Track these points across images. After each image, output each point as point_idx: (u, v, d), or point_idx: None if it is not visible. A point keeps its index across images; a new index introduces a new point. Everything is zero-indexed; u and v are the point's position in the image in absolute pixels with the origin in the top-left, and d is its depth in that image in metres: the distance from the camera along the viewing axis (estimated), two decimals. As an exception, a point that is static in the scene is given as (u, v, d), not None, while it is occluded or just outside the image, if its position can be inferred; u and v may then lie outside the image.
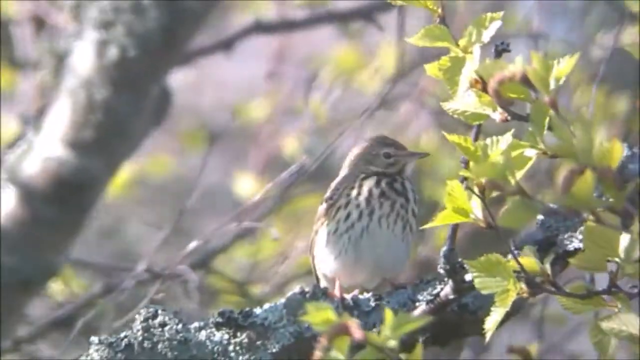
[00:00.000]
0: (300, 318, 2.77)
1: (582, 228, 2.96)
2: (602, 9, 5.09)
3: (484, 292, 2.85)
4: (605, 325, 2.85)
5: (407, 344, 3.02)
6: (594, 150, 2.72)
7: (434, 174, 5.02)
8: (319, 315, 2.70)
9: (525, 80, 2.81)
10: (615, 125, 5.04)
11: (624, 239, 2.82)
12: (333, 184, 3.42)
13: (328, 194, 3.39)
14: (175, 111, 5.01)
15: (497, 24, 2.88)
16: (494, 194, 2.80)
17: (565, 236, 3.14)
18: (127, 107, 4.71)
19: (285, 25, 5.10)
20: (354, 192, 3.35)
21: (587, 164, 2.70)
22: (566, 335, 5.15)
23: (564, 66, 2.80)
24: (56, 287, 4.98)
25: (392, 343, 2.70)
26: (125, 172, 5.72)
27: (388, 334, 2.70)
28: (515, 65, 2.81)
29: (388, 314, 2.70)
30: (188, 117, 6.24)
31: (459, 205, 2.80)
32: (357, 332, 2.67)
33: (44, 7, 4.89)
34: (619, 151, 2.73)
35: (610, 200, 2.74)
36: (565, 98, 4.85)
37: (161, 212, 5.85)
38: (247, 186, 5.51)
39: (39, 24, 4.83)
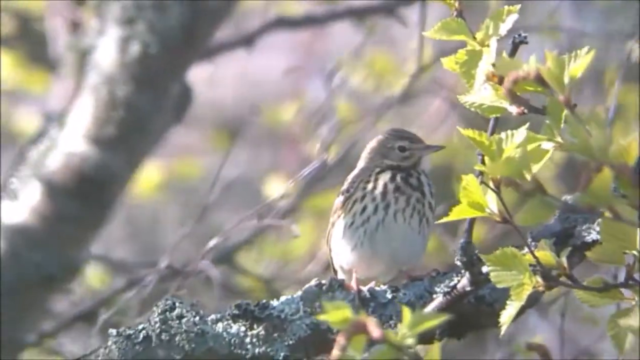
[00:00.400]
0: (317, 316, 2.76)
1: (600, 220, 2.95)
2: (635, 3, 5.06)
3: (499, 285, 2.85)
4: (622, 321, 2.84)
5: (423, 336, 3.02)
6: (610, 148, 2.72)
7: (461, 169, 5.01)
8: (336, 314, 2.70)
9: (539, 79, 2.81)
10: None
11: (641, 232, 2.82)
12: (350, 177, 3.42)
13: (345, 186, 3.40)
14: (200, 108, 5.03)
15: (514, 17, 2.88)
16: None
17: (583, 227, 3.14)
18: (148, 103, 4.74)
19: (307, 21, 5.10)
20: (370, 186, 3.35)
21: (603, 161, 2.69)
22: (588, 332, 5.13)
23: (578, 64, 2.80)
24: (79, 283, 5.01)
25: (410, 341, 2.70)
26: (156, 173, 5.76)
27: (406, 332, 2.70)
28: (530, 64, 2.80)
29: (405, 312, 2.70)
30: (212, 113, 6.27)
31: (474, 199, 2.79)
32: (375, 331, 2.67)
33: (70, 5, 4.92)
34: (636, 148, 2.72)
35: (627, 197, 2.74)
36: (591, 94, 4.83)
37: (189, 211, 5.88)
38: (278, 187, 5.52)
39: (74, 24, 4.87)
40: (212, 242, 4.54)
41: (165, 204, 6.09)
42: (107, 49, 4.72)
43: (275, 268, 5.32)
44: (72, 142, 4.75)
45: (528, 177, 2.77)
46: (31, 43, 5.57)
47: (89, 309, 4.92)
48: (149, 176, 5.78)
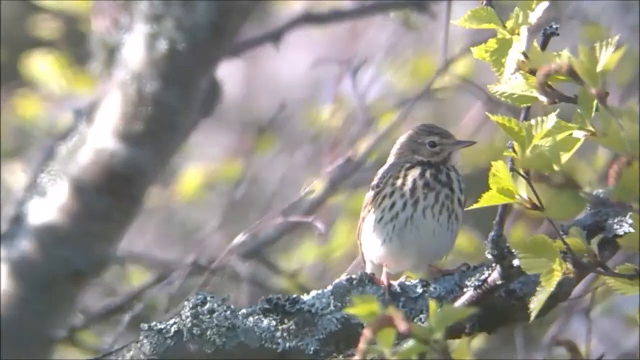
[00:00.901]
0: (346, 309, 2.75)
1: (631, 213, 2.92)
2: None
3: (529, 272, 2.83)
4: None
5: (453, 330, 3.01)
6: None
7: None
8: (364, 307, 2.69)
9: (571, 73, 2.79)
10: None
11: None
12: (380, 172, 3.41)
13: (375, 181, 3.39)
14: (228, 105, 5.02)
15: (544, 4, 2.86)
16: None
17: (615, 221, 3.11)
18: (176, 100, 4.74)
19: (335, 16, 5.08)
20: (399, 182, 3.34)
21: (634, 155, 2.67)
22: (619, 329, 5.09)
23: (610, 57, 2.77)
24: (109, 278, 5.03)
25: (437, 335, 2.68)
26: (198, 176, 5.78)
27: (433, 326, 2.69)
28: (562, 57, 2.78)
29: (432, 306, 2.68)
30: (241, 111, 6.27)
31: (504, 186, 2.78)
32: (402, 324, 2.66)
33: (115, 5, 4.93)
34: None
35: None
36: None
37: (229, 213, 5.89)
38: (316, 187, 5.51)
39: (115, 23, 4.88)
40: (238, 239, 4.54)
41: (206, 205, 6.11)
42: (135, 46, 4.72)
43: (314, 269, 5.31)
44: (100, 139, 4.75)
45: (557, 168, 2.75)
46: (76, 44, 5.60)
47: (119, 304, 4.93)
48: (190, 178, 5.80)
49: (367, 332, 2.67)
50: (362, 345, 2.68)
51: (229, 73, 5.41)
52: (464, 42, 4.93)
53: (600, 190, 3.02)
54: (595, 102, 2.79)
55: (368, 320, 2.69)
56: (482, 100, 4.84)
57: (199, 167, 5.89)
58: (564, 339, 2.81)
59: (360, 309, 2.69)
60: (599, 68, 2.78)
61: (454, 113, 5.35)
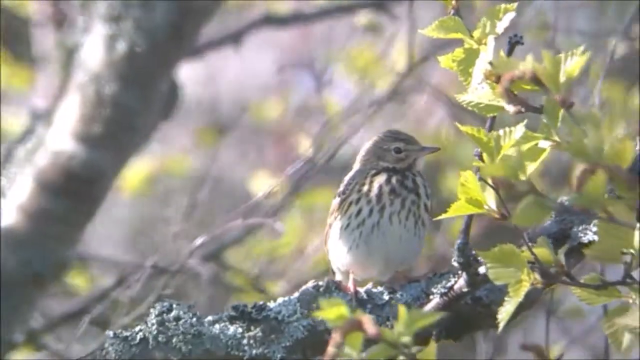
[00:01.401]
0: (313, 313, 2.76)
1: (596, 221, 2.95)
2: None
3: (497, 282, 2.85)
4: (619, 321, 2.85)
5: (420, 337, 3.02)
6: (605, 149, 2.71)
7: (454, 166, 5.01)
8: (332, 311, 2.70)
9: (535, 79, 2.80)
10: (634, 121, 4.99)
11: (639, 232, 2.82)
12: (346, 178, 3.41)
13: (341, 188, 3.39)
14: (189, 106, 5.01)
15: (511, 15, 2.88)
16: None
17: (580, 229, 3.14)
18: (135, 101, 4.71)
19: (295, 18, 5.08)
20: (365, 188, 3.34)
21: (598, 162, 2.69)
22: (588, 330, 5.14)
23: (574, 64, 2.79)
24: (69, 281, 4.99)
25: (406, 339, 2.69)
26: (144, 169, 5.74)
27: (401, 330, 2.70)
28: (525, 63, 2.80)
29: (401, 310, 2.69)
30: (202, 112, 6.25)
31: (473, 196, 2.79)
32: (371, 328, 2.67)
33: (56, 2, 4.89)
34: (631, 150, 2.72)
35: (623, 198, 2.74)
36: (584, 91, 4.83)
37: (182, 210, 5.87)
38: (264, 183, 5.51)
39: (59, 21, 4.83)
40: (199, 241, 4.54)
41: (158, 203, 6.07)
42: (94, 47, 4.69)
43: (263, 265, 5.30)
44: (59, 141, 4.72)
45: (523, 177, 2.77)
46: (13, 40, 5.54)
47: (78, 308, 4.90)
48: (136, 172, 5.76)
49: (336, 336, 2.68)
50: (331, 348, 2.68)
51: (194, 74, 5.39)
52: (425, 45, 4.95)
53: (565, 198, 3.05)
54: (561, 111, 2.81)
55: (337, 324, 2.69)
56: (446, 104, 4.86)
57: (146, 161, 5.85)
58: (531, 344, 2.83)
59: (329, 312, 2.70)
60: (562, 74, 2.80)
61: (400, 109, 5.36)
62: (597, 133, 2.74)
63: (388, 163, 3.36)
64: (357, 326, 2.68)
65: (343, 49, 5.34)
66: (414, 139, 3.42)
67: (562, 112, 2.82)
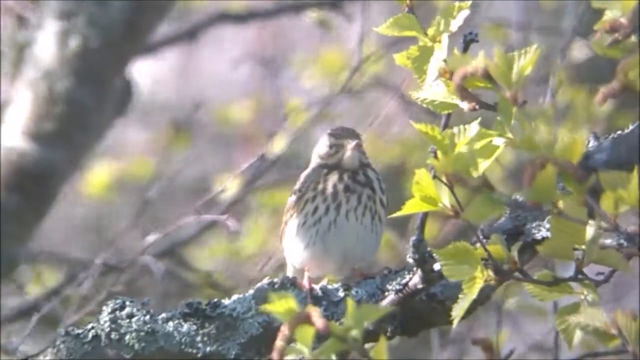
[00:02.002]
0: (263, 307, 2.76)
1: (549, 217, 2.97)
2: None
3: (451, 279, 2.86)
4: (572, 319, 2.87)
5: (374, 334, 3.03)
6: (555, 145, 2.74)
7: (415, 167, 5.02)
8: (281, 305, 2.69)
9: (487, 76, 2.82)
10: (597, 124, 5.05)
11: (590, 228, 2.84)
12: (302, 176, 3.40)
13: (297, 185, 3.38)
14: (149, 106, 4.98)
15: (465, 13, 2.89)
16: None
17: (533, 225, 3.16)
18: (89, 98, 4.69)
19: (250, 16, 5.08)
20: (320, 186, 3.34)
21: (548, 157, 2.71)
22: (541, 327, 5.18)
23: (525, 61, 2.81)
24: (21, 278, 4.95)
25: (355, 333, 2.70)
26: (106, 173, 5.71)
27: (351, 324, 2.70)
28: (478, 60, 2.81)
29: (350, 304, 2.70)
30: (162, 112, 6.22)
31: (427, 193, 2.80)
32: (319, 322, 2.66)
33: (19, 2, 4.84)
34: (580, 145, 2.75)
35: (572, 193, 2.76)
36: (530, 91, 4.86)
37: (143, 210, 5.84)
38: (231, 185, 5.50)
39: (19, 19, 4.78)
40: (152, 238, 4.51)
41: (118, 203, 6.05)
42: (46, 43, 4.65)
43: (225, 266, 5.29)
44: (10, 138, 4.68)
45: (475, 174, 2.78)
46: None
47: (30, 304, 4.86)
48: (99, 176, 5.73)
49: (284, 330, 2.67)
50: (279, 342, 2.67)
51: (156, 71, 5.36)
52: (377, 40, 4.97)
53: (518, 195, 3.07)
54: (514, 109, 2.83)
55: (286, 318, 2.68)
56: (396, 99, 4.88)
57: (107, 164, 5.83)
58: (480, 338, 2.84)
59: (278, 306, 2.69)
60: (514, 71, 2.82)
61: (368, 110, 5.38)
62: (548, 129, 2.75)
63: (323, 159, 3.36)
64: (306, 320, 2.68)
65: (300, 46, 5.35)
66: (345, 133, 3.38)
67: (514, 109, 2.84)
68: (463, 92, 2.85)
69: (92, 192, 5.79)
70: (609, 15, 2.78)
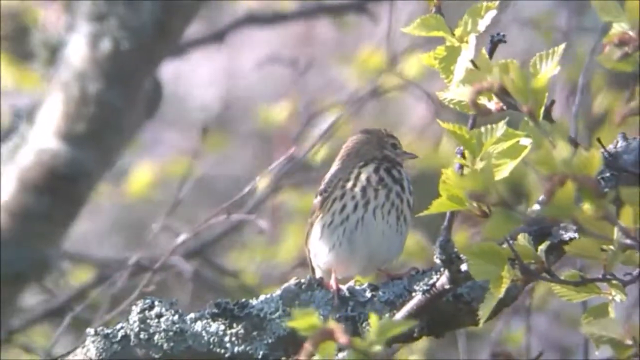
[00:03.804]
0: (291, 314, 2.76)
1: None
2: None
3: (478, 279, 2.86)
4: (586, 329, 2.85)
5: (402, 335, 3.03)
6: (573, 160, 2.72)
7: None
8: (304, 320, 2.69)
9: (502, 91, 2.81)
10: (632, 128, 5.01)
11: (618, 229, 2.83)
12: (327, 177, 3.42)
13: (322, 186, 3.39)
14: (189, 109, 4.99)
15: (492, 13, 2.89)
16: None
17: (561, 226, 3.15)
18: (119, 100, 4.72)
19: (277, 18, 5.10)
20: (349, 184, 3.35)
21: (566, 173, 2.69)
22: (555, 327, 5.16)
23: (541, 76, 2.80)
24: (51, 279, 4.98)
25: (377, 348, 2.69)
26: (147, 172, 5.75)
27: (373, 339, 2.70)
28: (493, 75, 2.80)
29: (373, 319, 2.69)
30: (203, 114, 6.25)
31: (454, 193, 2.80)
32: (342, 338, 2.66)
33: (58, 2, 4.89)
34: (598, 160, 2.72)
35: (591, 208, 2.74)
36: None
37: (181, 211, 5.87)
38: (260, 185, 5.50)
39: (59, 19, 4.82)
40: (181, 238, 4.53)
41: (153, 203, 6.08)
42: (78, 45, 4.69)
43: (262, 269, 5.31)
44: (42, 139, 4.72)
45: (494, 192, 2.76)
46: (21, 41, 5.52)
47: (59, 305, 4.89)
48: (140, 175, 5.77)
49: (307, 346, 2.67)
50: (303, 358, 2.68)
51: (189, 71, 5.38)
52: (406, 41, 4.96)
53: (538, 207, 3.06)
54: (542, 110, 2.82)
55: (309, 333, 2.69)
56: (427, 102, 4.88)
57: (148, 164, 5.85)
58: (501, 351, 2.84)
59: (301, 322, 2.69)
60: (531, 86, 2.80)
61: (398, 112, 5.38)
62: (565, 144, 2.73)
63: (390, 153, 3.39)
64: (329, 336, 2.68)
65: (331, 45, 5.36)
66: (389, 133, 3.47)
67: (542, 110, 2.83)
68: (477, 108, 2.83)
69: (134, 193, 5.82)
70: (617, 28, 2.76)
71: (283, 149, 5.42)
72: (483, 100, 2.89)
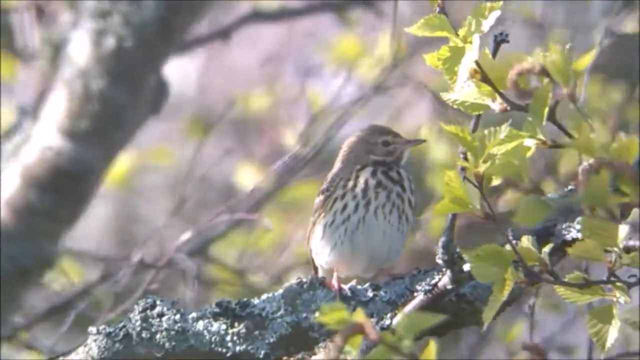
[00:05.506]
0: (298, 312, 2.74)
1: (579, 218, 2.95)
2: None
3: (481, 281, 2.85)
4: (622, 316, 2.84)
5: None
6: (611, 145, 2.69)
7: (432, 163, 5.00)
8: (333, 315, 2.68)
9: (544, 72, 2.79)
10: (609, 115, 5.00)
11: (623, 229, 2.82)
12: (329, 176, 3.41)
13: (324, 185, 3.39)
14: (177, 99, 4.99)
15: (496, 13, 2.87)
16: (493, 183, 2.79)
17: (564, 226, 3.14)
18: (123, 97, 4.71)
19: (283, 15, 5.09)
20: (351, 184, 3.34)
21: (604, 159, 2.67)
22: (562, 326, 5.15)
23: (584, 58, 2.79)
24: (53, 276, 4.98)
25: (406, 343, 2.69)
26: (127, 162, 5.73)
27: (402, 334, 2.69)
28: (535, 56, 2.78)
29: (401, 314, 2.68)
30: (189, 105, 6.24)
31: (457, 195, 2.79)
32: (372, 333, 2.66)
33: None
34: (636, 147, 2.70)
35: (628, 195, 2.72)
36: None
37: (167, 203, 5.85)
38: (249, 176, 5.50)
39: (39, 13, 4.82)
40: (185, 236, 4.53)
41: (143, 198, 6.07)
42: (81, 43, 4.68)
43: (246, 259, 5.30)
44: (46, 136, 4.72)
45: (526, 179, 2.75)
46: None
47: (62, 303, 4.89)
48: (120, 165, 5.74)
49: (338, 340, 2.67)
50: (334, 352, 2.67)
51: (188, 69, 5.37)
52: (411, 41, 4.95)
53: (557, 195, 3.05)
54: (546, 110, 2.81)
55: (338, 328, 2.68)
56: (429, 100, 4.87)
57: (125, 154, 5.82)
58: (530, 344, 2.83)
59: (330, 316, 2.68)
60: (572, 68, 2.79)
61: (383, 103, 5.36)
62: (604, 129, 2.71)
63: (377, 156, 3.37)
64: (359, 330, 2.68)
65: (328, 42, 5.35)
66: (397, 132, 3.44)
67: (546, 110, 2.82)
68: (518, 88, 2.81)
69: (113, 182, 5.79)
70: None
71: (264, 140, 5.44)
72: (487, 101, 2.88)
